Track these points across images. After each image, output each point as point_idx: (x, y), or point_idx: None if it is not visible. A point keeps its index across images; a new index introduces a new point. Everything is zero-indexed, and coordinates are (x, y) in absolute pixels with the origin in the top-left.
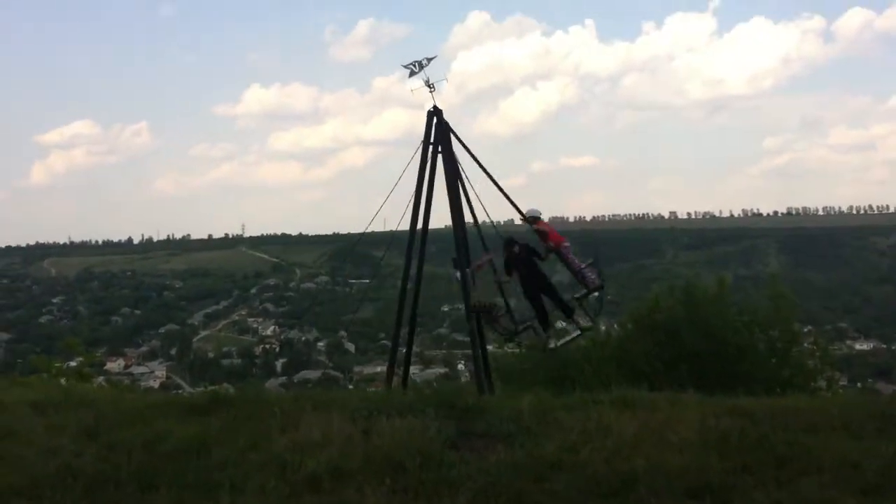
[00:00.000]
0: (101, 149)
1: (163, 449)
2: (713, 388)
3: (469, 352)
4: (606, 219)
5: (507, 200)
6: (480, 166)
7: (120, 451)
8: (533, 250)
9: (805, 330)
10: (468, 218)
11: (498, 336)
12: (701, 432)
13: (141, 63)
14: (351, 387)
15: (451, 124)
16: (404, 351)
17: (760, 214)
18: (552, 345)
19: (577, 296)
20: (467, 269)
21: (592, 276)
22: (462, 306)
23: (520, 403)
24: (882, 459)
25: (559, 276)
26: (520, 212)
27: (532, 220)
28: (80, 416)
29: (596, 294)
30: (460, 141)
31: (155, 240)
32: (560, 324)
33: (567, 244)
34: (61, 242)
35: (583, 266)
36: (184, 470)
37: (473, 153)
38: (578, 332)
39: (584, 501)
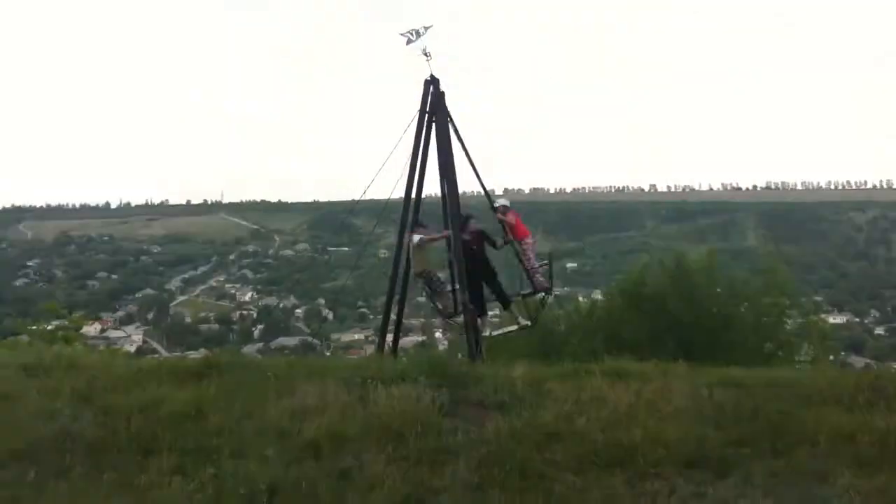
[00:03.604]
0: None
1: (160, 413)
2: (698, 358)
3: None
4: (587, 190)
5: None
6: (463, 146)
7: (117, 415)
8: (486, 237)
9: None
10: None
11: (434, 311)
12: (695, 403)
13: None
14: (328, 354)
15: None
16: (393, 319)
17: (739, 188)
18: (486, 332)
19: (523, 293)
20: (421, 238)
21: (542, 280)
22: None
23: (512, 373)
24: (876, 432)
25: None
26: (490, 199)
27: (502, 209)
28: (72, 379)
29: (541, 296)
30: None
31: (133, 204)
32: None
33: (530, 241)
34: (38, 206)
35: (537, 266)
36: (183, 435)
37: (459, 132)
38: (516, 327)
39: (586, 471)
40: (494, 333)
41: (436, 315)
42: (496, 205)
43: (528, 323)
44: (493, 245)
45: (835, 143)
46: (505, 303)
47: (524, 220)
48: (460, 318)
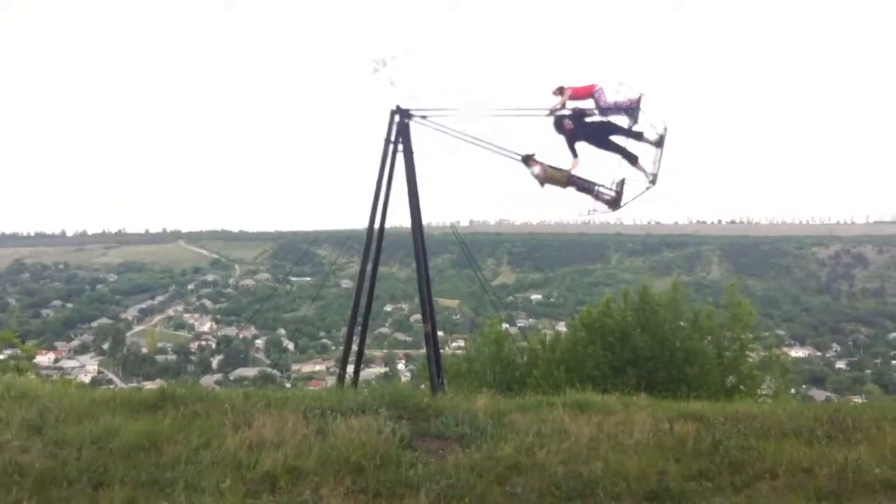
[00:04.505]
0: None
1: (113, 445)
2: (661, 391)
3: (409, 352)
4: (552, 223)
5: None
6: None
7: (68, 447)
8: (580, 113)
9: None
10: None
11: (607, 209)
12: (656, 436)
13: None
14: (289, 385)
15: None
16: (354, 350)
17: (704, 222)
18: (653, 170)
19: (630, 125)
20: (540, 169)
21: (625, 100)
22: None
23: (473, 405)
24: (834, 465)
25: None
26: (520, 155)
27: (557, 90)
28: (23, 410)
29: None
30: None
31: (90, 233)
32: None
33: (598, 87)
34: None
35: (623, 102)
36: (136, 467)
37: (453, 130)
38: (658, 147)
39: None
40: (658, 167)
41: (610, 208)
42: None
43: (663, 131)
44: (584, 114)
45: (799, 179)
46: (637, 136)
47: (490, 252)
48: (625, 192)
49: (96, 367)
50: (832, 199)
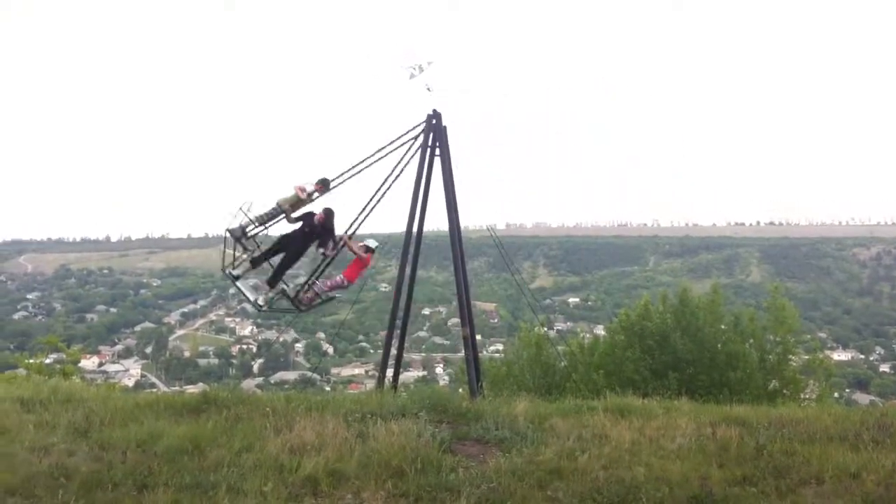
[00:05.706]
0: None
1: (157, 449)
2: (701, 395)
3: (447, 355)
4: (589, 226)
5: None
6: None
7: (113, 450)
8: (327, 235)
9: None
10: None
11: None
12: (698, 441)
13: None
14: (328, 389)
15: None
16: (393, 353)
17: (742, 224)
18: (261, 300)
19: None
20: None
21: (310, 295)
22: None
23: (513, 409)
24: (882, 471)
25: None
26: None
27: (366, 249)
28: (69, 413)
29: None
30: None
31: (133, 238)
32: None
33: (341, 280)
34: (39, 239)
35: (323, 287)
36: (180, 470)
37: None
38: (259, 305)
39: None
40: (263, 302)
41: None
42: (369, 245)
43: (262, 305)
44: (323, 244)
45: (839, 179)
46: (272, 282)
47: (527, 255)
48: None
49: (140, 370)
50: (872, 200)
